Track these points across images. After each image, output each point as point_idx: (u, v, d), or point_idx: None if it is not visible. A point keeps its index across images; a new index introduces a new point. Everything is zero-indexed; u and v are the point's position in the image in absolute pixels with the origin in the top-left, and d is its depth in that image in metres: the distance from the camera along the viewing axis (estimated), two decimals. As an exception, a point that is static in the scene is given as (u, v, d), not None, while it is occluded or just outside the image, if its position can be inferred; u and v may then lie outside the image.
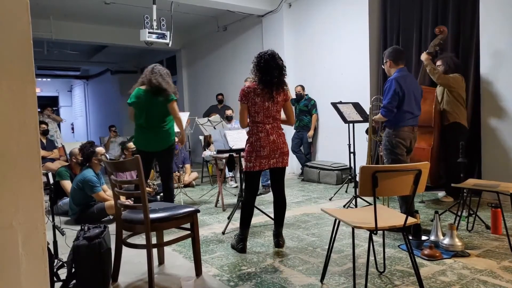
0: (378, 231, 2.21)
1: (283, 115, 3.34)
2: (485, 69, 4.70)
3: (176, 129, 5.59)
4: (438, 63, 4.70)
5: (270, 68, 3.11)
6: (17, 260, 1.21)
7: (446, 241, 3.01)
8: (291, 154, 7.27)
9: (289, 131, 7.21)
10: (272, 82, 3.13)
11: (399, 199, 3.52)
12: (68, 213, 4.43)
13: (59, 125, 9.37)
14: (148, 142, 3.99)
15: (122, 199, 3.94)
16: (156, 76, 3.90)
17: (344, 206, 4.55)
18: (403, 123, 3.42)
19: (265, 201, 5.02)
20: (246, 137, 3.30)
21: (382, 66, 3.66)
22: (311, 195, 5.48)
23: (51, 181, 3.21)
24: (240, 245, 3.21)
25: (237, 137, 4.22)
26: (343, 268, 2.78)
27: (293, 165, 7.46)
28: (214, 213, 4.59)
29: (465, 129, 4.57)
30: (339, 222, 2.40)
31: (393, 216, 2.42)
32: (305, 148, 6.96)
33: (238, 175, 6.08)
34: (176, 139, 5.96)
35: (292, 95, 6.41)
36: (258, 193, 5.23)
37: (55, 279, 2.51)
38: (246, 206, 3.26)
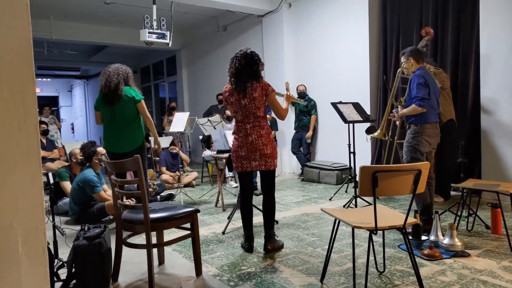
0: (378, 231, 2.21)
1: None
2: (485, 69, 4.70)
3: (177, 129, 5.59)
4: None
5: (238, 64, 3.08)
6: (17, 260, 1.21)
7: (446, 241, 3.01)
8: (290, 154, 7.33)
9: (289, 132, 7.23)
10: (241, 79, 3.09)
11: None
12: (68, 213, 4.43)
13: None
14: (116, 144, 3.99)
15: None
16: (107, 80, 3.90)
17: (344, 206, 4.56)
18: (429, 119, 3.41)
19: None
20: None
21: (401, 64, 3.67)
22: (311, 195, 5.48)
23: (51, 181, 3.22)
24: (246, 244, 3.23)
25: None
26: (343, 268, 2.78)
27: (293, 165, 7.46)
28: (214, 213, 4.59)
29: (455, 125, 4.60)
30: (339, 222, 2.40)
31: (393, 216, 2.42)
32: (304, 149, 6.96)
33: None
34: (179, 148, 5.86)
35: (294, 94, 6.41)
36: (255, 193, 5.22)
37: (55, 279, 2.52)
38: (241, 207, 3.27)
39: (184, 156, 6.92)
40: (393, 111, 3.86)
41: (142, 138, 4.05)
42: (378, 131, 4.03)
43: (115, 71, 3.92)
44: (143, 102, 3.98)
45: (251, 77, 3.10)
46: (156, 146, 4.29)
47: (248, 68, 3.09)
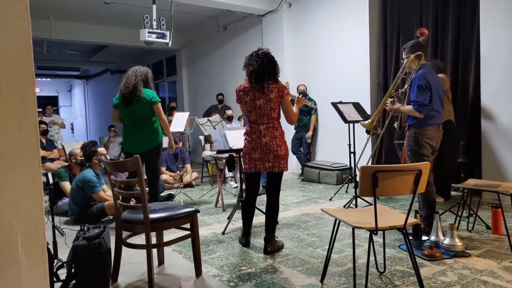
0: (379, 231, 2.20)
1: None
2: (485, 69, 4.69)
3: (176, 128, 5.59)
4: None
5: (260, 63, 3.03)
6: (17, 260, 1.21)
7: (447, 241, 3.01)
8: (291, 154, 7.31)
9: (289, 132, 7.22)
10: (262, 78, 3.03)
11: (420, 200, 3.40)
12: (68, 213, 4.42)
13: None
14: (134, 144, 4.04)
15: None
16: (126, 82, 3.98)
17: (344, 206, 4.55)
18: (430, 121, 3.29)
19: (265, 201, 5.01)
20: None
21: (402, 61, 3.55)
22: (311, 195, 5.48)
23: (51, 181, 3.21)
24: (242, 239, 3.30)
25: (237, 137, 4.21)
26: (343, 268, 2.78)
27: (293, 165, 7.45)
28: (214, 213, 4.59)
29: (453, 125, 4.58)
30: (339, 222, 2.39)
31: (393, 216, 2.42)
32: (305, 148, 6.96)
33: (238, 175, 6.07)
34: (181, 144, 5.89)
35: (295, 94, 6.40)
36: (259, 193, 5.23)
37: (55, 279, 2.51)
38: (244, 205, 3.31)
39: (190, 170, 6.88)
40: (390, 100, 3.63)
41: (159, 139, 4.13)
42: (369, 120, 3.83)
43: (134, 72, 4.02)
44: (159, 104, 4.07)
45: (271, 77, 3.07)
46: (169, 148, 4.36)
47: (269, 68, 3.05)
